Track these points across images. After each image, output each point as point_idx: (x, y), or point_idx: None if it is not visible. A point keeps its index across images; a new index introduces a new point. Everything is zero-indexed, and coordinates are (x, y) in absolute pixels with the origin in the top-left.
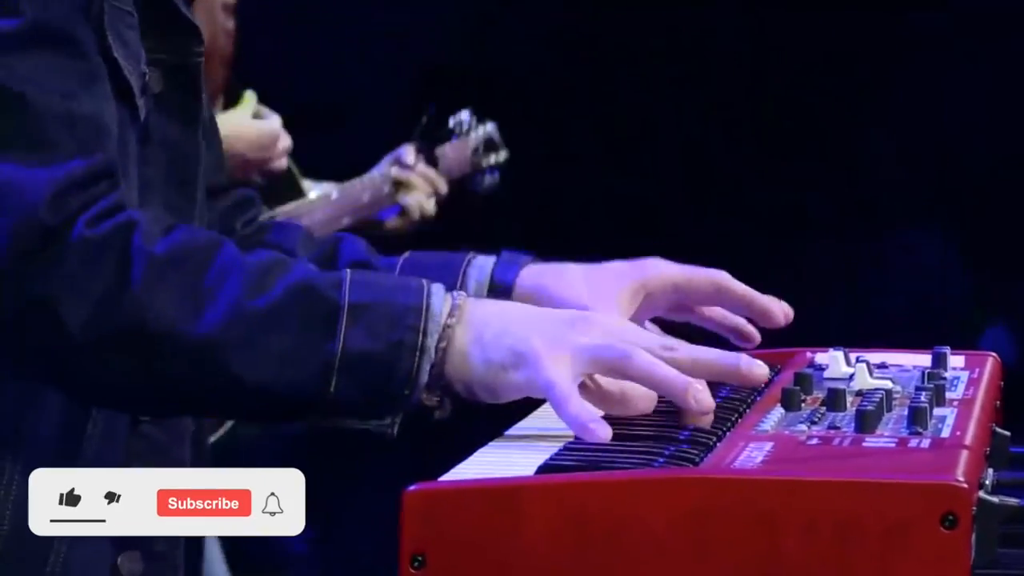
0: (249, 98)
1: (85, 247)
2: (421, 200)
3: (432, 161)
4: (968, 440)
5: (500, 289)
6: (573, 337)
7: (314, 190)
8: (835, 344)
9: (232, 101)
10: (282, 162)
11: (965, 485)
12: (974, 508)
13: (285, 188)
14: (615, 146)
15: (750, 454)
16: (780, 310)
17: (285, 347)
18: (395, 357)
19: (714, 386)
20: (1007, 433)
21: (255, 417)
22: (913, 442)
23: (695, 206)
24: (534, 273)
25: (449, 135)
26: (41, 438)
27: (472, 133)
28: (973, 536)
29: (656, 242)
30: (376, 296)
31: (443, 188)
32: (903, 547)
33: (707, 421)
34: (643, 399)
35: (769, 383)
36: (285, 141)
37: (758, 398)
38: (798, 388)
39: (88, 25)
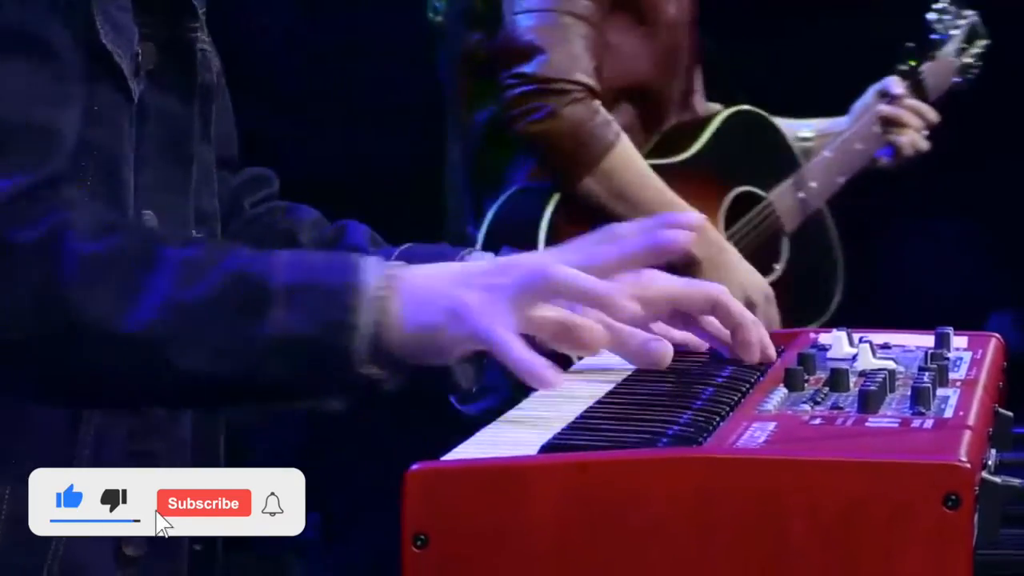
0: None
1: (15, 250)
2: (914, 138)
3: (918, 88)
4: (971, 420)
5: None
6: (499, 281)
7: (800, 131)
8: (839, 325)
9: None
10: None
11: (968, 465)
12: (977, 488)
13: (778, 159)
14: None
15: (753, 434)
16: (759, 350)
17: (219, 335)
18: (328, 337)
19: (716, 366)
20: (1010, 414)
21: (192, 405)
22: (916, 422)
23: None
24: None
25: (932, 48)
26: (37, 442)
27: (954, 32)
28: (976, 516)
29: None
30: (306, 276)
31: (934, 118)
32: (906, 527)
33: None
34: (591, 330)
35: (773, 363)
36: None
37: (761, 378)
38: (801, 368)
39: (61, 22)
